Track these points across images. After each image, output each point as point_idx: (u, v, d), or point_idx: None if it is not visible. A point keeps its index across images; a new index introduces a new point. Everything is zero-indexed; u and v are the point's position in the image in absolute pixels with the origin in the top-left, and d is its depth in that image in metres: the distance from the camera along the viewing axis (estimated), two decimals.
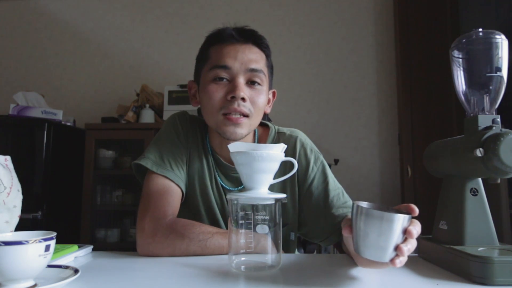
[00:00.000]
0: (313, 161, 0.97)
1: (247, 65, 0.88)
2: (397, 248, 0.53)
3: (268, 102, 0.98)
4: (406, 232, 0.54)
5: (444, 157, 0.74)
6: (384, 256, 0.54)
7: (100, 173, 2.54)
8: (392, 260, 0.54)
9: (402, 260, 0.54)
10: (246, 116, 0.88)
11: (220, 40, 0.91)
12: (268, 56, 0.95)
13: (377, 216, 0.54)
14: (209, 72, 0.90)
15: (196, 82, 0.97)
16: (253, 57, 0.90)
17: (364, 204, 0.59)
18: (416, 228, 0.55)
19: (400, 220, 0.53)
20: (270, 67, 0.97)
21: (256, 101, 0.89)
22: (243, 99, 0.87)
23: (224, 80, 0.89)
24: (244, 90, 0.87)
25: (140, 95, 2.69)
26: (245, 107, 0.87)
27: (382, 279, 0.63)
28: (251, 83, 0.90)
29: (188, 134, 0.99)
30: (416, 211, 0.57)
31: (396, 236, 0.53)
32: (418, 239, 0.79)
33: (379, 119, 2.82)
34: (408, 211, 0.57)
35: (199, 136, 0.99)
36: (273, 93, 1.01)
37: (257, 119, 0.92)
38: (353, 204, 0.57)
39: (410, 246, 0.54)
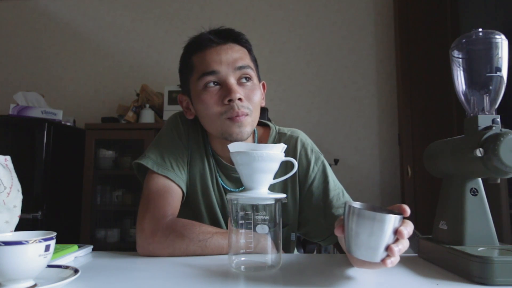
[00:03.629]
0: (314, 161, 0.97)
1: (233, 64, 0.88)
2: (388, 249, 0.54)
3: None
4: (397, 233, 0.54)
5: (444, 157, 0.74)
6: (375, 256, 0.54)
7: (100, 173, 2.54)
8: (383, 260, 0.54)
9: (393, 260, 0.54)
10: (246, 115, 0.88)
11: (200, 47, 0.91)
12: (250, 50, 0.95)
13: (368, 216, 0.54)
14: (198, 81, 0.89)
15: (186, 94, 0.96)
16: (237, 55, 0.90)
17: (356, 204, 0.59)
18: (408, 229, 0.54)
19: (391, 220, 0.53)
20: (254, 60, 0.97)
21: (252, 98, 0.89)
22: (240, 99, 0.86)
23: (215, 85, 0.88)
24: (238, 91, 0.87)
25: (140, 95, 2.70)
26: (244, 107, 0.87)
27: (382, 279, 0.63)
28: (242, 81, 0.90)
29: (190, 134, 0.98)
30: (408, 211, 0.57)
31: (387, 236, 0.53)
32: (418, 239, 0.79)
33: (379, 119, 2.82)
34: (400, 212, 0.57)
35: (201, 136, 0.99)
36: (263, 85, 1.01)
37: (256, 115, 0.92)
38: (345, 204, 0.58)
39: (401, 247, 0.54)
